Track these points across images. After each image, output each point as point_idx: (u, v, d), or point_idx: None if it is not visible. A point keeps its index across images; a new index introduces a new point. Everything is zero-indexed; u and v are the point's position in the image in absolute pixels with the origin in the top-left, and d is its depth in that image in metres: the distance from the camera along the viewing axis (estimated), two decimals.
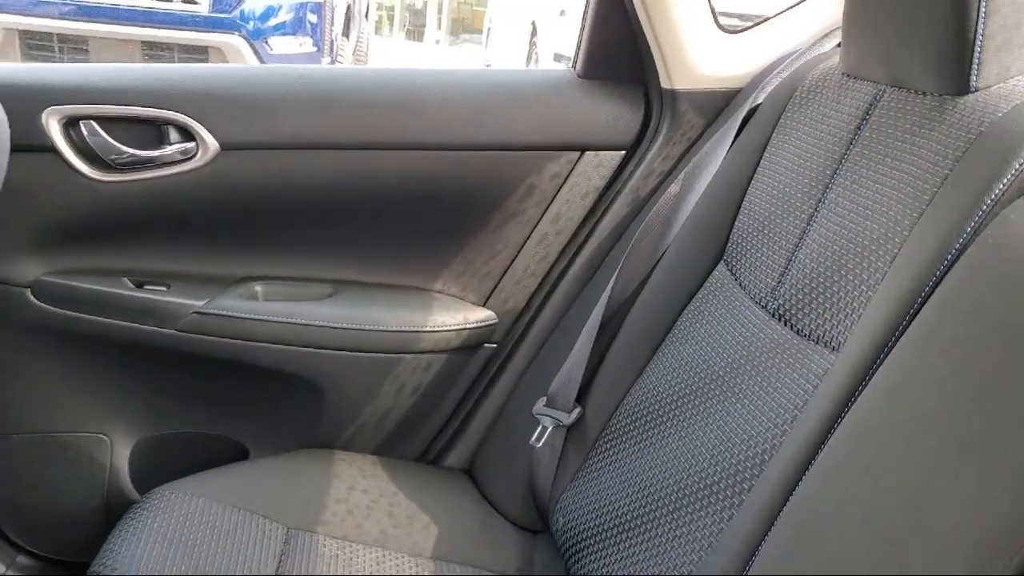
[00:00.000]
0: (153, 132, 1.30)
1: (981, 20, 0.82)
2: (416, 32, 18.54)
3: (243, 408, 1.42)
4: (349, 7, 6.87)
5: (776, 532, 0.77)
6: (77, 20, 5.62)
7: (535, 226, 1.40)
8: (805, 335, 0.93)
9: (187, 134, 1.30)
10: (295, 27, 6.04)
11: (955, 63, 0.86)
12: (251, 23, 5.78)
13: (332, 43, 6.25)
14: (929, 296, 0.75)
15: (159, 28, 5.58)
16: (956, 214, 0.76)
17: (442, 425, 1.47)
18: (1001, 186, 0.74)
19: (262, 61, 5.73)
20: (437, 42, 17.28)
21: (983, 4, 0.82)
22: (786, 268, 1.01)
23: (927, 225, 0.80)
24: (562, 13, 7.47)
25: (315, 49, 6.03)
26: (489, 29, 10.95)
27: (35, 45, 5.62)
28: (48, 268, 1.32)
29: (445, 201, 1.38)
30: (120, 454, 1.41)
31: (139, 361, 1.37)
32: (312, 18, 6.12)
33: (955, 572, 0.55)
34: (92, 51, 5.64)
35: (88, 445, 1.40)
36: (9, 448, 1.38)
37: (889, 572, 0.60)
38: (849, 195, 0.95)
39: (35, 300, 1.31)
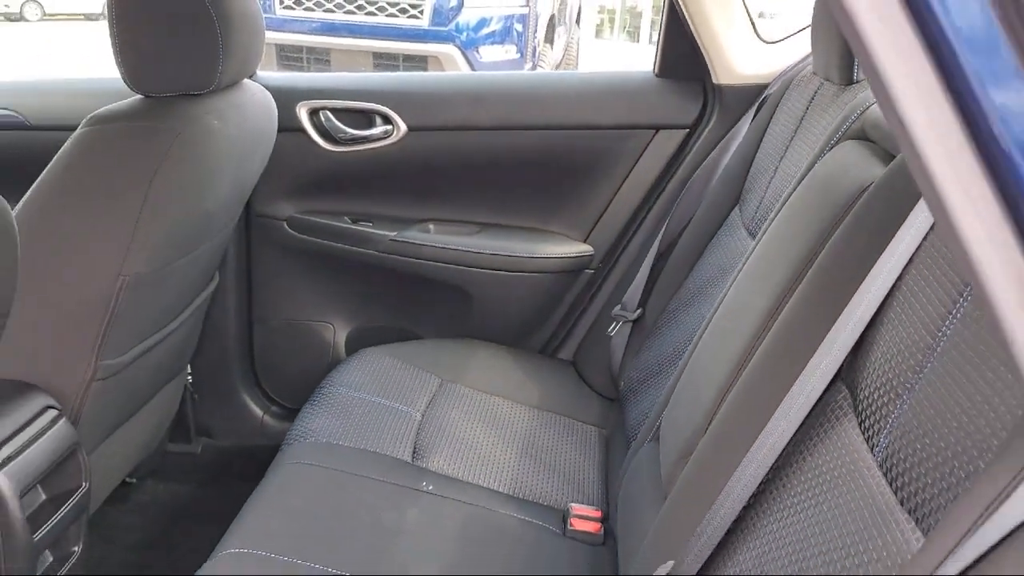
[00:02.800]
0: (365, 119, 1.95)
1: None
2: (635, 33, 19.00)
3: (418, 307, 2.05)
4: (553, 16, 7.52)
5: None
6: (321, 35, 6.61)
7: (622, 184, 1.93)
8: (753, 236, 1.44)
9: (387, 120, 1.94)
10: (503, 36, 6.76)
11: (844, 60, 1.33)
12: (464, 34, 6.54)
13: (534, 49, 6.92)
14: (786, 201, 1.24)
15: (387, 41, 6.46)
16: (812, 155, 1.25)
17: (555, 328, 2.04)
18: (837, 136, 1.22)
19: (473, 68, 6.47)
20: (651, 42, 17.65)
21: None
22: (758, 205, 1.51)
23: (804, 167, 1.29)
24: (760, 15, 7.76)
25: (519, 56, 6.71)
26: None
27: (288, 56, 6.65)
28: (297, 209, 2.01)
29: (558, 166, 1.94)
30: (340, 336, 2.08)
31: (353, 273, 2.03)
32: (518, 27, 6.81)
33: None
34: (333, 61, 6.59)
35: (320, 329, 2.08)
36: (269, 329, 2.09)
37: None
38: (790, 156, 1.44)
39: (289, 229, 2.00)
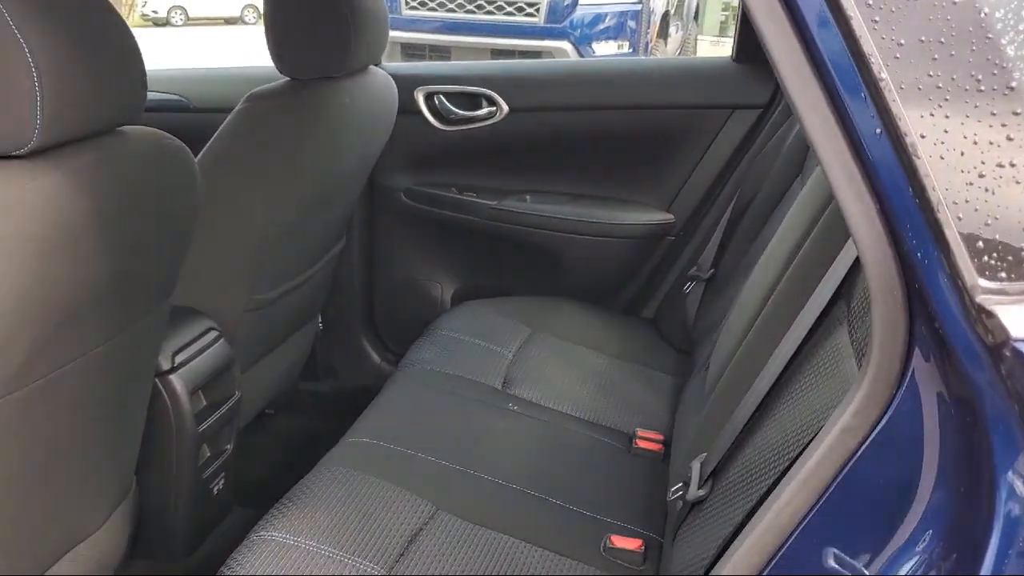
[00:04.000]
0: (472, 101, 2.22)
1: None
2: None
3: (515, 268, 2.31)
4: (667, 12, 7.67)
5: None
6: (443, 34, 6.96)
7: (701, 158, 2.14)
8: None
9: (491, 102, 2.20)
10: (616, 32, 6.97)
11: None
12: (579, 30, 6.78)
13: (647, 45, 7.10)
14: None
15: (504, 38, 6.76)
16: None
17: (638, 289, 2.26)
18: None
19: None
20: None
21: None
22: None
23: None
24: None
25: (631, 51, 6.91)
26: None
27: (411, 53, 7.03)
28: (413, 181, 2.30)
29: (643, 143, 2.17)
30: (447, 293, 2.36)
31: (459, 237, 2.30)
32: (631, 24, 7.01)
33: None
34: (453, 57, 6.93)
35: (429, 287, 2.37)
36: (387, 286, 2.39)
37: None
38: None
39: (405, 199, 2.30)
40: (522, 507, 1.40)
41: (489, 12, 6.76)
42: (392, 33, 6.83)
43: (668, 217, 2.19)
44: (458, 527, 1.31)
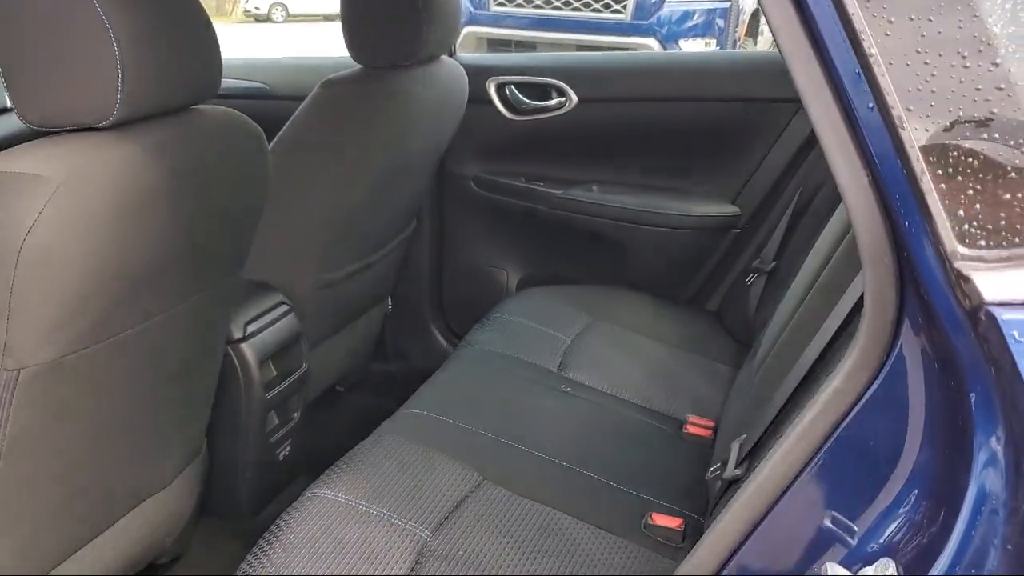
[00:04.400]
0: (543, 91, 2.27)
1: None
2: None
3: (580, 257, 2.35)
4: (758, 11, 7.57)
5: None
6: (529, 30, 7.02)
7: (768, 152, 2.15)
8: None
9: (561, 93, 2.24)
10: (704, 30, 6.91)
11: None
12: (665, 27, 6.75)
13: (735, 43, 7.02)
14: None
15: (590, 34, 6.78)
16: None
17: (702, 282, 2.28)
18: None
19: None
20: None
21: None
22: None
23: None
24: None
25: (718, 49, 6.85)
26: None
27: (497, 49, 7.11)
28: (482, 169, 2.35)
29: (711, 135, 2.18)
30: (512, 280, 2.42)
31: (526, 226, 2.35)
32: (720, 22, 6.95)
33: None
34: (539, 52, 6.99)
35: (496, 274, 2.43)
36: (455, 271, 2.45)
37: None
38: None
39: (474, 187, 2.36)
40: (566, 481, 1.44)
41: (576, 8, 6.79)
42: (479, 29, 6.88)
43: (734, 210, 2.20)
44: (502, 496, 1.36)
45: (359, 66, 1.82)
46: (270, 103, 2.36)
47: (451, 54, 2.31)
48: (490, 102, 2.29)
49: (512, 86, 2.28)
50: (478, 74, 2.25)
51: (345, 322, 2.07)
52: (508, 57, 2.36)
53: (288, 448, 1.80)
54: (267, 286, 1.75)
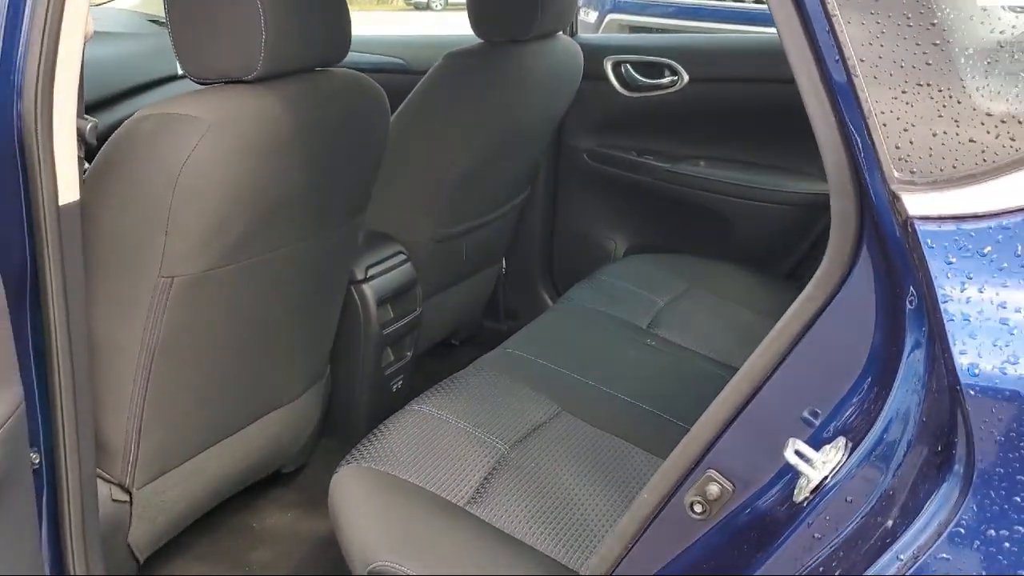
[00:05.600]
0: (656, 70, 2.40)
1: None
2: None
3: (684, 228, 2.46)
4: None
5: None
6: (674, 18, 7.05)
7: None
8: None
9: (673, 72, 2.37)
10: None
11: None
12: None
13: None
14: None
15: (734, 24, 6.76)
16: None
17: (802, 256, 2.35)
18: None
19: None
20: None
21: None
22: None
23: None
24: None
25: None
26: None
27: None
28: (596, 143, 2.50)
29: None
30: (619, 249, 2.56)
31: (635, 197, 2.49)
32: None
33: None
34: None
35: (604, 242, 2.57)
36: (565, 239, 2.61)
37: None
38: None
39: (587, 159, 2.51)
40: (638, 420, 1.58)
41: None
42: (623, 16, 6.94)
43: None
44: (577, 425, 1.52)
45: (480, 41, 2.00)
46: (407, 77, 2.58)
47: (572, 34, 2.47)
48: (606, 79, 2.43)
49: (627, 65, 2.42)
50: (596, 53, 2.40)
51: (459, 278, 2.26)
52: (624, 37, 2.51)
53: (400, 382, 2.02)
54: (388, 237, 1.97)
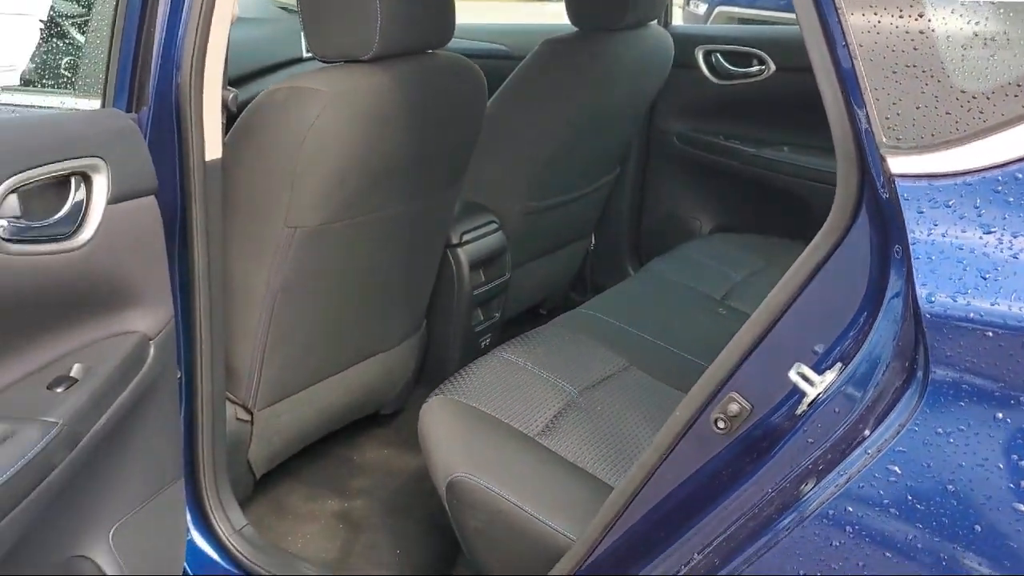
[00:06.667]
0: (745, 59, 2.51)
1: None
2: None
3: (767, 210, 2.58)
4: None
5: None
6: (780, 11, 7.03)
7: None
8: None
9: (761, 61, 2.48)
10: None
11: None
12: None
13: None
14: None
15: None
16: None
17: None
18: None
19: None
20: None
21: None
22: None
23: None
24: None
25: None
26: None
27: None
28: (685, 127, 2.64)
29: None
30: (704, 229, 2.69)
31: (721, 180, 2.61)
32: None
33: None
34: None
35: (690, 222, 2.70)
36: (652, 218, 2.75)
37: None
38: None
39: (677, 142, 2.65)
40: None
41: None
42: (732, 9, 6.96)
43: None
44: (644, 380, 1.68)
45: (575, 29, 2.17)
46: (509, 62, 2.77)
47: (665, 24, 2.61)
48: (697, 67, 2.56)
49: (718, 54, 2.54)
50: (688, 42, 2.53)
51: (548, 249, 2.44)
52: (715, 28, 2.63)
53: (488, 340, 2.21)
54: (482, 207, 2.16)
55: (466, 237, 2.07)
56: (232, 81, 2.22)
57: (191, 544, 1.48)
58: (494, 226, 2.15)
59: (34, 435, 0.96)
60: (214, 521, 1.49)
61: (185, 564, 1.43)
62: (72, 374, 1.07)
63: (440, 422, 1.47)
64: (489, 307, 2.20)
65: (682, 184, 2.70)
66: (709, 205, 2.68)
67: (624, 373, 1.69)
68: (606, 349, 1.75)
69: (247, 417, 1.67)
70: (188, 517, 1.47)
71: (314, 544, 1.74)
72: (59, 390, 1.04)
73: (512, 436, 1.45)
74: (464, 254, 2.06)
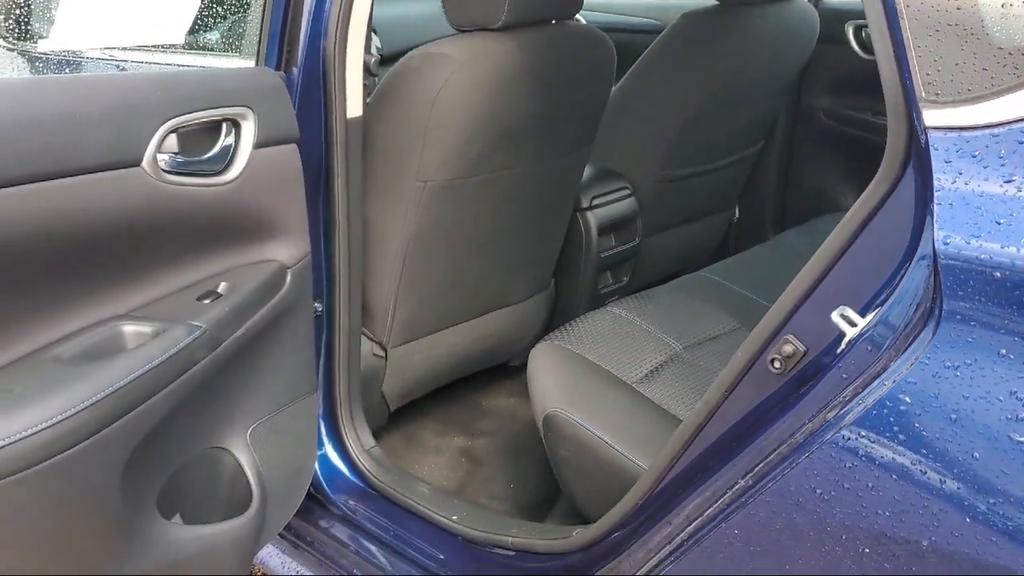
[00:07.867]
0: None
1: None
2: None
3: None
4: None
5: None
6: None
7: None
8: None
9: None
10: None
11: None
12: None
13: None
14: None
15: None
16: None
17: None
18: None
19: None
20: None
21: None
22: None
23: None
24: None
25: None
26: None
27: None
28: (833, 102, 2.61)
29: None
30: (850, 205, 2.66)
31: (866, 156, 2.53)
32: None
33: None
34: None
35: (836, 197, 2.68)
36: (797, 193, 2.75)
37: None
38: None
39: (823, 117, 2.63)
40: None
41: None
42: None
43: None
44: None
45: (717, 2, 2.22)
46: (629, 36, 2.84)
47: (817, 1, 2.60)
48: (847, 43, 2.54)
49: (867, 30, 2.51)
50: (838, 18, 2.51)
51: (685, 219, 2.50)
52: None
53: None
54: (615, 173, 2.25)
55: (596, 201, 2.18)
56: (390, 57, 2.43)
57: (323, 457, 1.68)
58: (626, 192, 2.24)
59: (181, 334, 1.16)
60: (345, 437, 1.68)
61: (317, 470, 1.64)
62: (219, 290, 1.27)
63: (544, 364, 1.60)
64: (618, 271, 2.29)
65: (829, 160, 2.69)
66: (855, 181, 2.66)
67: (733, 334, 1.76)
68: (719, 310, 1.82)
69: (382, 353, 1.85)
70: (323, 430, 1.67)
71: (437, 472, 1.92)
72: (206, 302, 1.24)
73: (609, 381, 1.56)
74: (593, 218, 2.16)
